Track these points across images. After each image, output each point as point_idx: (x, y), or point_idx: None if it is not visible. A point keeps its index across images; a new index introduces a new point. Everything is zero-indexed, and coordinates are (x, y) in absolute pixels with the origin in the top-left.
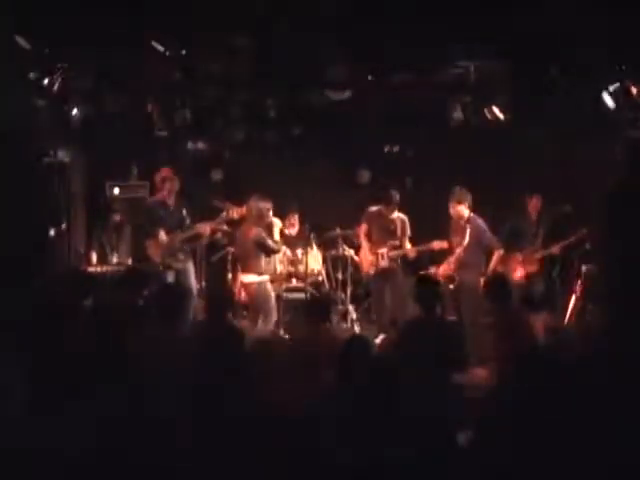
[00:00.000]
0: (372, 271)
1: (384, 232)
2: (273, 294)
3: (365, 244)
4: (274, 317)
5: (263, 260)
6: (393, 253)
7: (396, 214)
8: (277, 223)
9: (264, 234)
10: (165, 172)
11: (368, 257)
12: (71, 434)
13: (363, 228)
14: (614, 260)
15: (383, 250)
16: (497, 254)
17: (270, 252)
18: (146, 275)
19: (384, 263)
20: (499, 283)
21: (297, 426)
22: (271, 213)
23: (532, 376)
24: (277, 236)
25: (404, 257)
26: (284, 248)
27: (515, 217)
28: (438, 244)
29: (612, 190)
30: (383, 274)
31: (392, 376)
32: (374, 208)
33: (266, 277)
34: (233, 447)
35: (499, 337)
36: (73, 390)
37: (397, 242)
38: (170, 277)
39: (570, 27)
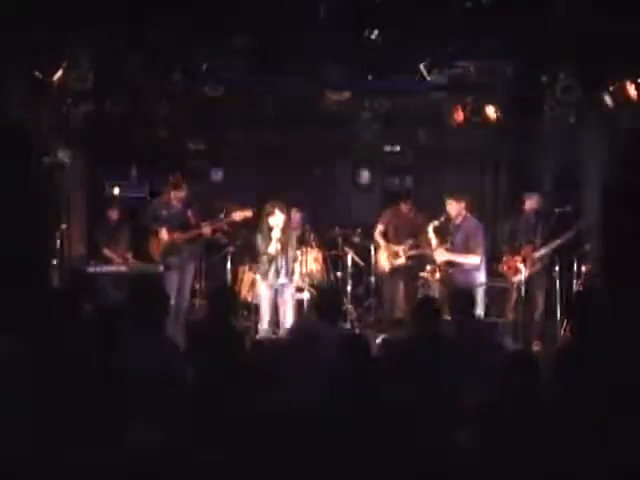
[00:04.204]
0: (387, 268)
1: (403, 231)
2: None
3: (383, 244)
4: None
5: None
6: (412, 252)
7: (416, 214)
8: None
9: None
10: (173, 177)
11: (386, 255)
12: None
13: (379, 228)
14: (613, 260)
15: (400, 247)
16: (470, 256)
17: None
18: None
19: (401, 261)
20: (462, 296)
21: (297, 426)
22: (273, 220)
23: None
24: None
25: (422, 257)
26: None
27: (513, 217)
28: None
29: (611, 189)
30: (399, 272)
31: (388, 376)
32: (393, 207)
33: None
34: (233, 448)
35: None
36: (75, 392)
37: (415, 241)
38: (171, 276)
39: (570, 27)
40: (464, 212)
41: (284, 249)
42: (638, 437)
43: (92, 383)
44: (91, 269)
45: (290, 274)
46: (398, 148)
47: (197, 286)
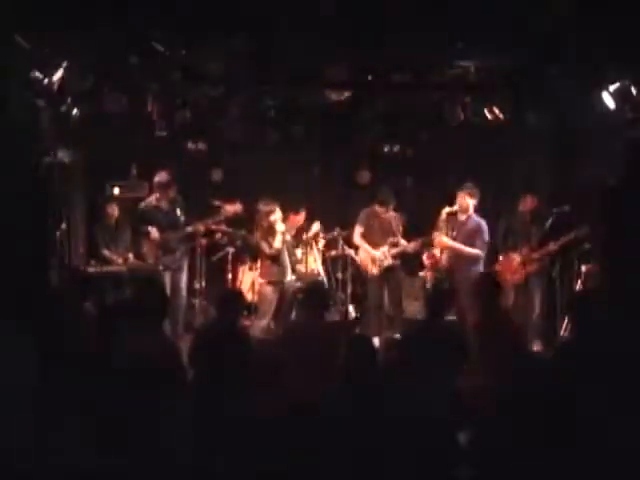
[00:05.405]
0: (375, 271)
1: (381, 231)
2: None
3: (363, 245)
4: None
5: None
6: (394, 250)
7: (391, 212)
8: (280, 227)
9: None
10: (162, 177)
11: (369, 257)
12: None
13: (359, 230)
14: (614, 260)
15: (384, 248)
16: (474, 252)
17: (262, 254)
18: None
19: (387, 261)
20: (488, 282)
21: (299, 425)
22: (275, 216)
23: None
24: (278, 241)
25: (404, 254)
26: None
27: (507, 217)
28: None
29: (612, 190)
30: (385, 273)
31: (392, 376)
32: (368, 208)
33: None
34: (236, 446)
35: (486, 337)
36: (76, 390)
37: (396, 239)
38: (164, 276)
39: (570, 27)
40: (471, 210)
41: (287, 243)
42: (638, 437)
43: (92, 382)
44: (91, 269)
45: (295, 271)
46: (398, 148)
47: (197, 286)
